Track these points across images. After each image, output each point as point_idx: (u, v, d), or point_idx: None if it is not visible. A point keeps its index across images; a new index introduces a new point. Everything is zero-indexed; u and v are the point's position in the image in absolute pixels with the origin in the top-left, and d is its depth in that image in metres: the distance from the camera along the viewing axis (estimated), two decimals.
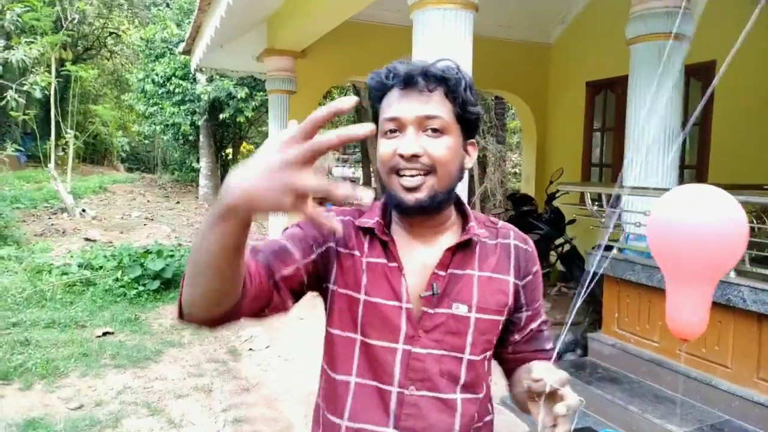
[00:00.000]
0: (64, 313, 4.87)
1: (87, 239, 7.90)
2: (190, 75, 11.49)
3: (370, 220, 1.01)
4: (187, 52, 7.07)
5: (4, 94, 8.78)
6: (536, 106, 6.99)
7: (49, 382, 3.58)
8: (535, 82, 6.92)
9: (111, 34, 18.14)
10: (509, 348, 1.08)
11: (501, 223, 1.09)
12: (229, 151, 15.07)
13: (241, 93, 10.85)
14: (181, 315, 0.85)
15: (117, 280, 5.63)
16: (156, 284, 5.56)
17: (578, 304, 0.99)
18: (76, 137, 10.53)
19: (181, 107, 11.75)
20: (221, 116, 11.69)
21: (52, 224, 8.77)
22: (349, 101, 0.60)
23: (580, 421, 2.65)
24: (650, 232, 1.18)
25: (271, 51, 5.70)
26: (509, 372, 1.12)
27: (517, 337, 1.07)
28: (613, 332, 3.39)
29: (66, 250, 7.02)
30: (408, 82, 0.95)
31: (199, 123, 12.12)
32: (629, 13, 3.14)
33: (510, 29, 6.41)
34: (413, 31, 2.63)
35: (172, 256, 5.97)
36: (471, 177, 8.01)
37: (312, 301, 1.08)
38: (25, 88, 8.90)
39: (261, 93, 11.06)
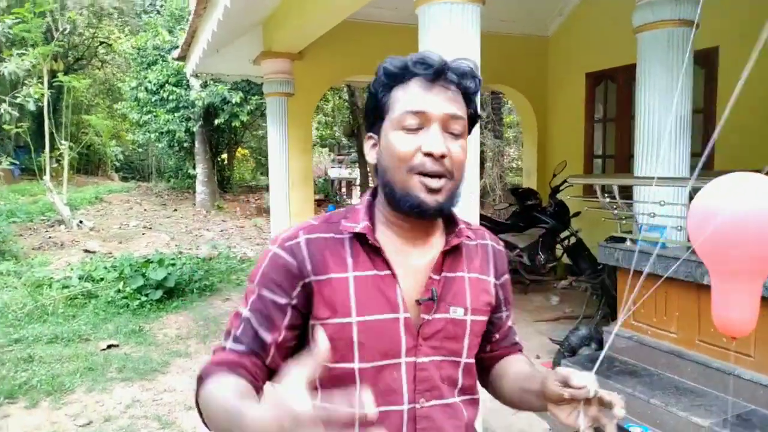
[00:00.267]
0: (66, 327, 4.79)
1: (86, 251, 7.82)
2: (184, 81, 11.41)
3: (357, 225, 0.93)
4: (182, 57, 6.99)
5: None
6: (536, 100, 6.94)
7: (55, 399, 3.51)
8: (534, 76, 6.86)
9: (102, 43, 18.01)
10: (488, 347, 1.09)
11: (473, 224, 1.09)
12: (225, 156, 14.99)
13: (236, 98, 10.77)
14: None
15: (119, 291, 5.55)
16: (159, 294, 5.49)
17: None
18: (70, 148, 10.44)
19: (176, 114, 11.65)
20: (216, 122, 11.61)
21: (50, 237, 8.68)
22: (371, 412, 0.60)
23: None
24: (692, 226, 1.12)
25: (268, 53, 5.63)
26: (485, 370, 1.11)
27: (497, 336, 1.09)
28: (629, 325, 3.34)
29: (65, 262, 6.94)
30: (439, 75, 0.90)
31: (194, 129, 12.03)
32: (635, 0, 3.08)
33: (507, 23, 6.35)
34: (419, 27, 2.57)
35: (173, 264, 5.91)
36: None
37: None
38: (18, 100, 8.79)
39: (256, 97, 10.99)
